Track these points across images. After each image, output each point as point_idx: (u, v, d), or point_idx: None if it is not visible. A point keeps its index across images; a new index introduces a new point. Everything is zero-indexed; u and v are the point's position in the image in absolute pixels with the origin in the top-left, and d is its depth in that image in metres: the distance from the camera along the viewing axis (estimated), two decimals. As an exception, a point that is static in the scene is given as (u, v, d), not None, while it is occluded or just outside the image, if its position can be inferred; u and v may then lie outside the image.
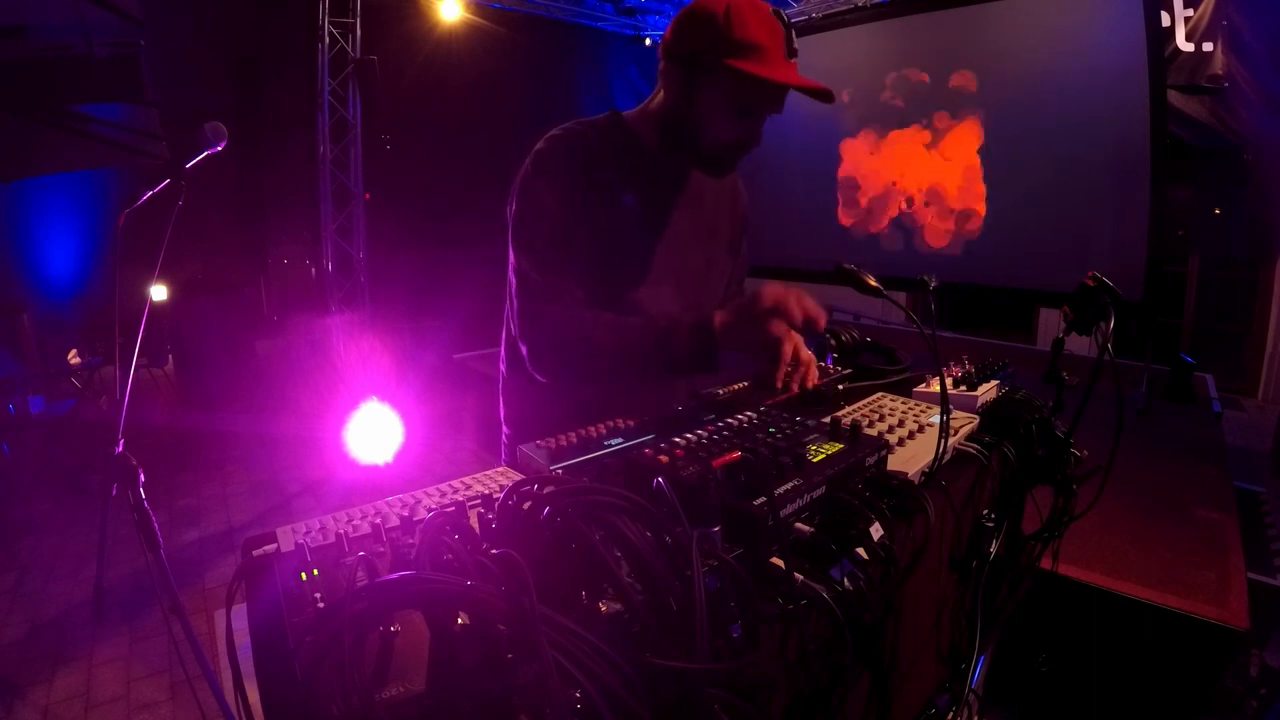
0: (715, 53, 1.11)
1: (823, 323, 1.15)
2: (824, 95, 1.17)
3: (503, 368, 1.43)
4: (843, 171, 6.44)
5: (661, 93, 1.25)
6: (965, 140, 5.59)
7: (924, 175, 5.88)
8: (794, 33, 1.16)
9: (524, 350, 1.24)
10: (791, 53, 1.15)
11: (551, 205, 1.20)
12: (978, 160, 5.54)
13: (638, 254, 1.28)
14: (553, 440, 0.93)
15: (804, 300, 1.12)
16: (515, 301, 1.25)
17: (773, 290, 1.13)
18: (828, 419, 0.96)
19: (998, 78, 5.34)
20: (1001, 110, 5.34)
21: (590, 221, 1.21)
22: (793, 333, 1.31)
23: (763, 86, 1.13)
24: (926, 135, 5.84)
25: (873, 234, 6.28)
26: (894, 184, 6.09)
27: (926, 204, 5.89)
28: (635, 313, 1.27)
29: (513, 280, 1.25)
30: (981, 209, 5.58)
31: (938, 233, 5.87)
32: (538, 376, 1.26)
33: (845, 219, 6.49)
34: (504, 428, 1.45)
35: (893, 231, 6.15)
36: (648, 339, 1.17)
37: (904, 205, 6.03)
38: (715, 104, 1.17)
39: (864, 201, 6.33)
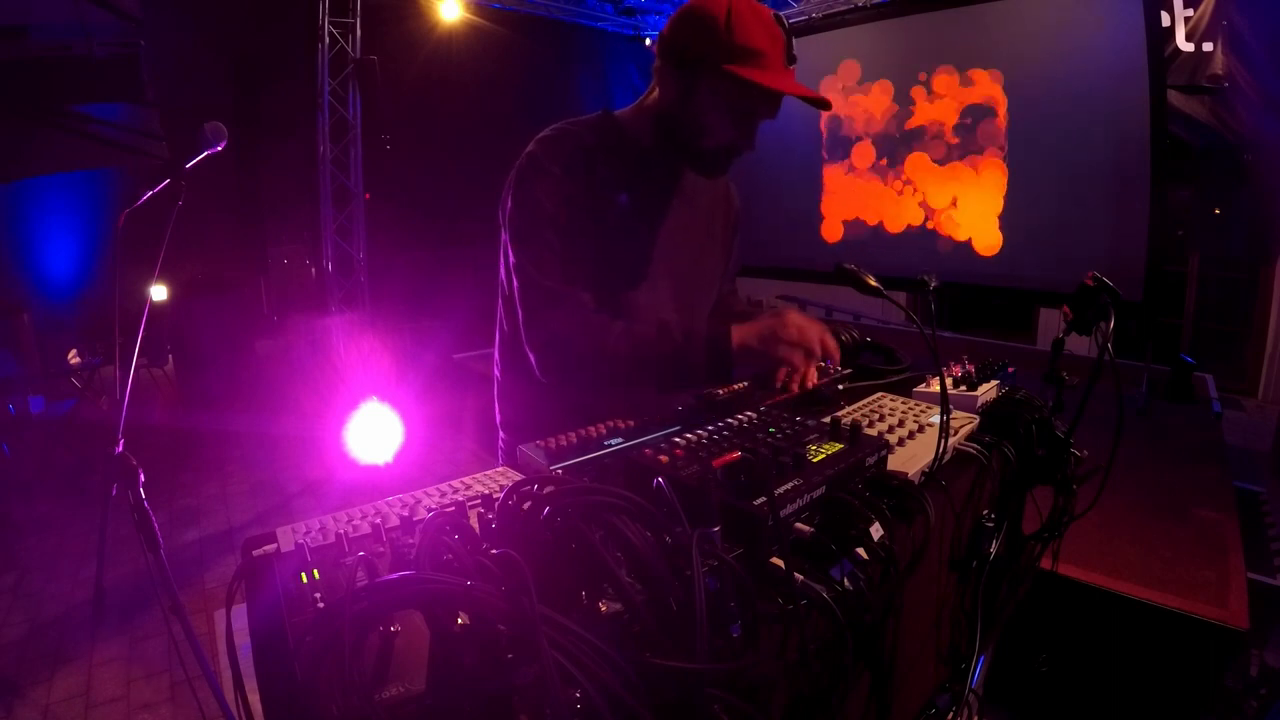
0: (715, 57, 1.10)
1: (837, 359, 1.16)
2: (822, 104, 1.17)
3: (497, 372, 1.41)
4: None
5: (656, 91, 1.24)
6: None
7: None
8: (793, 39, 1.15)
9: (532, 357, 1.21)
10: (791, 60, 1.15)
11: (549, 204, 1.18)
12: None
13: (633, 251, 1.28)
14: (552, 440, 0.93)
15: (825, 336, 1.13)
16: (520, 306, 1.22)
17: (797, 320, 1.13)
18: (828, 419, 0.96)
19: (997, 78, 5.33)
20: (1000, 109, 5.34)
21: (588, 219, 1.20)
22: None
23: (762, 93, 1.12)
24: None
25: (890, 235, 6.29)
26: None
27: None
28: (632, 309, 1.26)
29: (515, 280, 1.22)
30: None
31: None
32: (544, 380, 1.23)
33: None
34: (501, 433, 1.43)
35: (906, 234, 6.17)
36: (663, 349, 1.16)
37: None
38: (712, 107, 1.16)
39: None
